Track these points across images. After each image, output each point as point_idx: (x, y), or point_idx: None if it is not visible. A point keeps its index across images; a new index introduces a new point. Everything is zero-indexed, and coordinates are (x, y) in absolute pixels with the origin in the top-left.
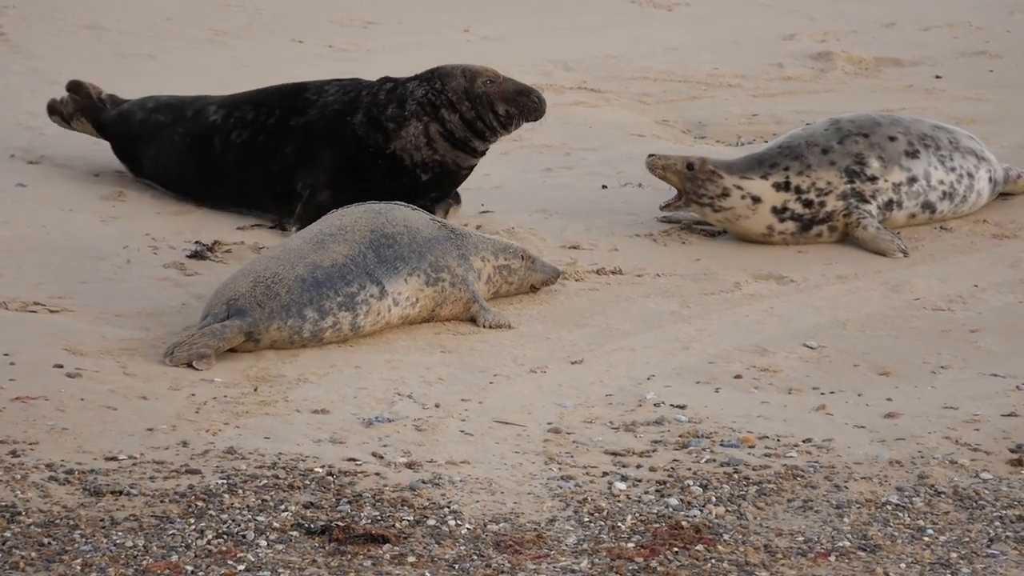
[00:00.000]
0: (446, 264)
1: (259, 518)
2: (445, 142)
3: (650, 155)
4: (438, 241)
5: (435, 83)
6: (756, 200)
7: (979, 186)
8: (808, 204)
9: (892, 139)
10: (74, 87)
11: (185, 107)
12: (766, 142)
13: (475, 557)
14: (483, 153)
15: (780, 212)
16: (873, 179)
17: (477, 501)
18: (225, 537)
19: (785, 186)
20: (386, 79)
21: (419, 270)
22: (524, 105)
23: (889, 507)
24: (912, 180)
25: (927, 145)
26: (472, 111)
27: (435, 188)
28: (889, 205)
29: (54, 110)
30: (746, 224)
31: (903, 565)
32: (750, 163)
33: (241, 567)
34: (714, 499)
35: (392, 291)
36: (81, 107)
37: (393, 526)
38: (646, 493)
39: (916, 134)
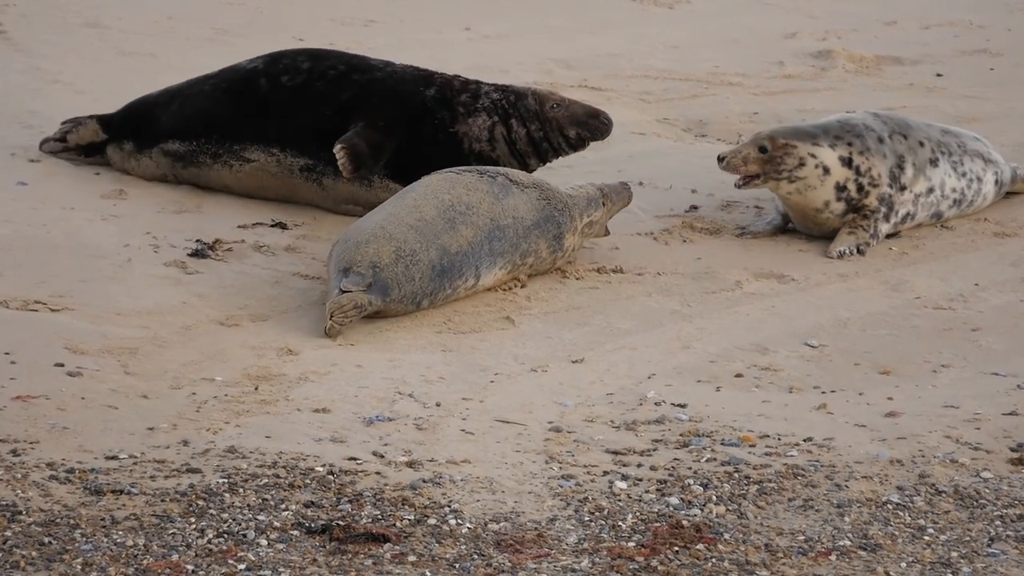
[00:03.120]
0: (535, 250)
1: (260, 517)
2: (505, 146)
3: (720, 158)
4: (537, 226)
5: (509, 95)
6: (826, 171)
7: (985, 189)
8: (860, 189)
9: (921, 144)
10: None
11: (206, 75)
12: None
13: (476, 556)
14: (534, 171)
15: (840, 190)
16: (903, 188)
17: (478, 500)
18: (226, 536)
19: (848, 162)
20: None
21: (510, 261)
22: (594, 127)
23: (890, 506)
24: (930, 191)
25: (943, 152)
26: (540, 131)
27: None
28: (905, 218)
29: (46, 139)
30: (811, 196)
31: (904, 564)
32: (815, 130)
33: (242, 566)
34: (715, 498)
35: (483, 282)
36: (83, 119)
37: (394, 525)
38: (647, 492)
39: (935, 140)
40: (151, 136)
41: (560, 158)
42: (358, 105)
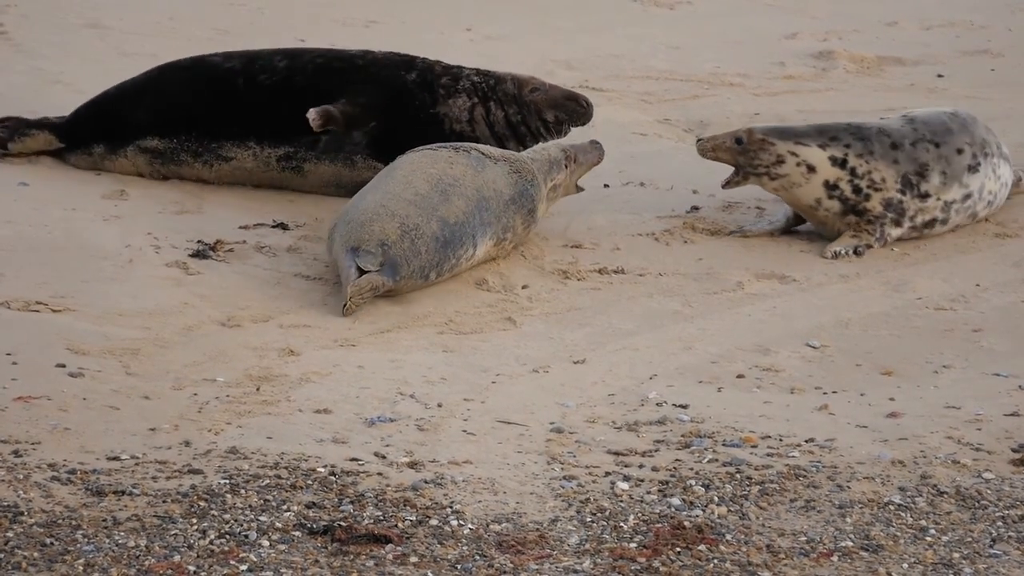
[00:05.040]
0: (513, 225)
1: (261, 518)
2: (485, 128)
3: (698, 139)
4: (514, 201)
5: (489, 79)
6: (811, 169)
7: (1006, 192)
8: (857, 190)
9: (960, 152)
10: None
11: (172, 65)
12: None
13: (477, 557)
14: None
15: (831, 188)
16: (925, 196)
17: (479, 501)
18: (227, 537)
19: (841, 163)
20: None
21: (495, 233)
22: (572, 110)
23: (891, 507)
24: (967, 197)
25: (986, 154)
26: (518, 115)
27: None
28: (931, 224)
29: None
30: (799, 192)
31: (905, 565)
32: (808, 130)
33: (243, 567)
34: (716, 499)
35: (478, 253)
36: (25, 123)
37: (395, 526)
38: (648, 493)
39: (979, 143)
40: (125, 134)
41: (542, 143)
42: (339, 90)
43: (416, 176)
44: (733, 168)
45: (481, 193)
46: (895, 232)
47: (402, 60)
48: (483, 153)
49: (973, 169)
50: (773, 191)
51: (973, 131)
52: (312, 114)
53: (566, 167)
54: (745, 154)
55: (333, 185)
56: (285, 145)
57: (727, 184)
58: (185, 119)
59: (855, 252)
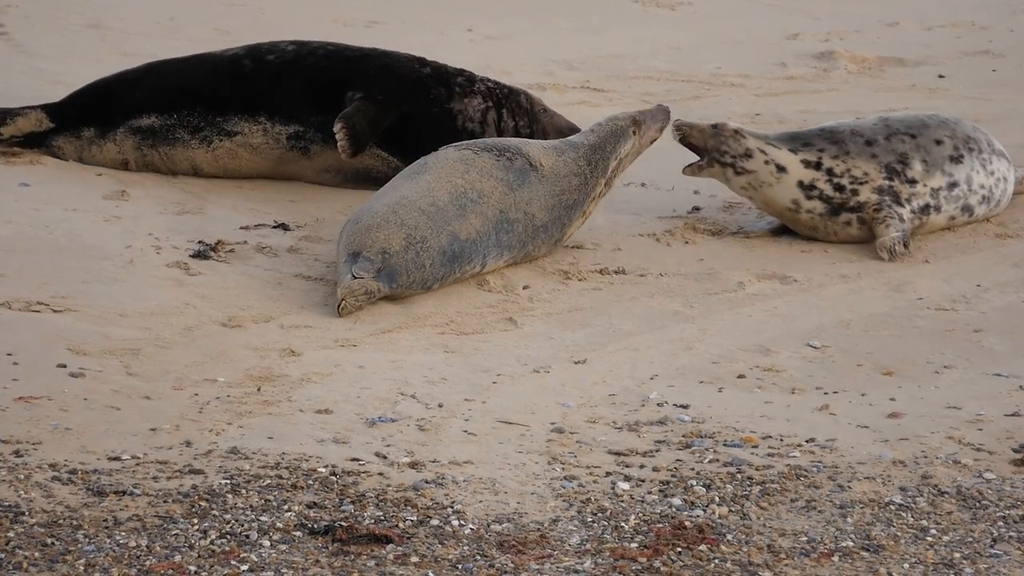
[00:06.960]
0: (537, 253)
1: (262, 518)
2: (494, 133)
3: (676, 120)
4: (546, 229)
5: (503, 88)
6: (781, 169)
7: (1010, 190)
8: (839, 188)
9: (939, 143)
10: None
11: (173, 59)
12: None
13: (478, 557)
14: None
15: (808, 188)
16: (912, 182)
17: (480, 501)
18: (228, 537)
19: (816, 165)
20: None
21: (515, 256)
22: None
23: (892, 507)
24: (953, 185)
25: (971, 149)
26: (527, 128)
27: None
28: (925, 209)
29: None
30: (770, 193)
31: (906, 565)
32: (781, 137)
33: (244, 567)
34: (717, 499)
35: (487, 268)
36: (20, 110)
37: (396, 526)
38: (649, 493)
39: (961, 137)
40: (118, 115)
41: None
42: (355, 76)
43: (440, 185)
44: (700, 154)
45: (505, 215)
46: (904, 211)
47: (413, 56)
48: (531, 163)
49: (955, 160)
50: (740, 190)
51: (954, 127)
52: (341, 139)
53: (633, 147)
54: (716, 138)
55: (335, 171)
56: (295, 124)
57: (689, 169)
58: (186, 93)
59: (904, 245)
